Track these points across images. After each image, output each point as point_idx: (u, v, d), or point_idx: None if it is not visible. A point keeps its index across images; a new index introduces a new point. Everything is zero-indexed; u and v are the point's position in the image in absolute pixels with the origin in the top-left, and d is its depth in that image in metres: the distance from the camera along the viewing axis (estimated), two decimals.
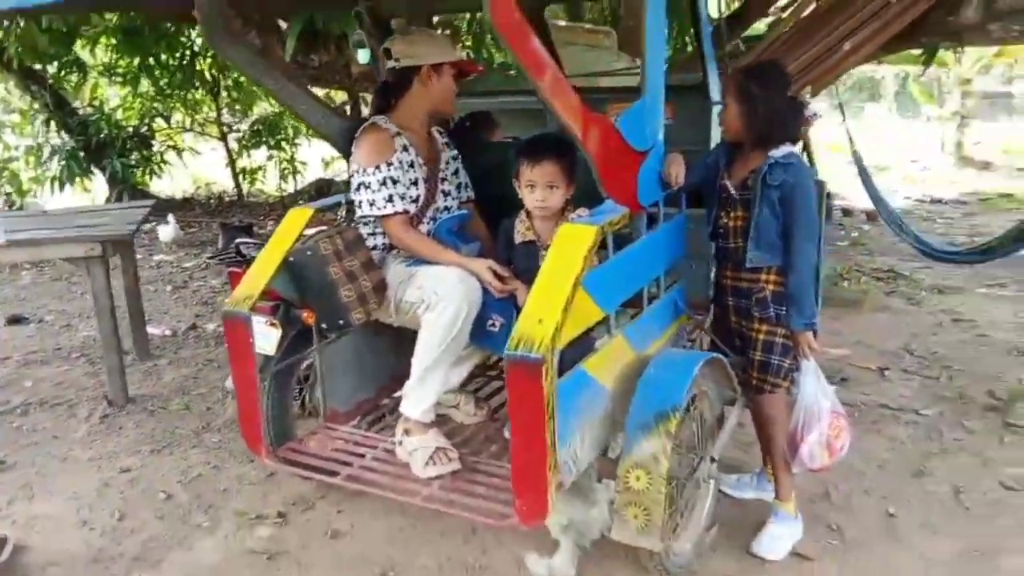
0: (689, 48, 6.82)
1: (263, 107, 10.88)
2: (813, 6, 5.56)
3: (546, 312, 2.02)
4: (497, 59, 7.27)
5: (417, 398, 2.58)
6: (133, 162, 9.44)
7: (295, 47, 4.64)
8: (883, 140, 14.32)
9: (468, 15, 6.97)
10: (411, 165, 2.75)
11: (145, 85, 9.58)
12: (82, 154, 9.20)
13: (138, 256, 5.47)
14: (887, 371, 4.19)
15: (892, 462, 3.26)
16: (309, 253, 2.58)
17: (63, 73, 9.57)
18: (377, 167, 2.68)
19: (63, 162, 9.18)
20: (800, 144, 8.45)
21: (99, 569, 2.69)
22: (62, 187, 9.25)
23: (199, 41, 8.74)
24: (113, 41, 8.45)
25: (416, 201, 2.76)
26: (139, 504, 3.08)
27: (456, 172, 2.98)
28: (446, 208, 2.86)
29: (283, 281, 2.66)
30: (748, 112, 2.48)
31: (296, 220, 2.74)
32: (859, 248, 7.17)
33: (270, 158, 10.64)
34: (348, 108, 9.60)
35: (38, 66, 8.91)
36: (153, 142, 9.97)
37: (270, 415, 2.72)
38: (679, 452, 2.45)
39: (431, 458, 2.48)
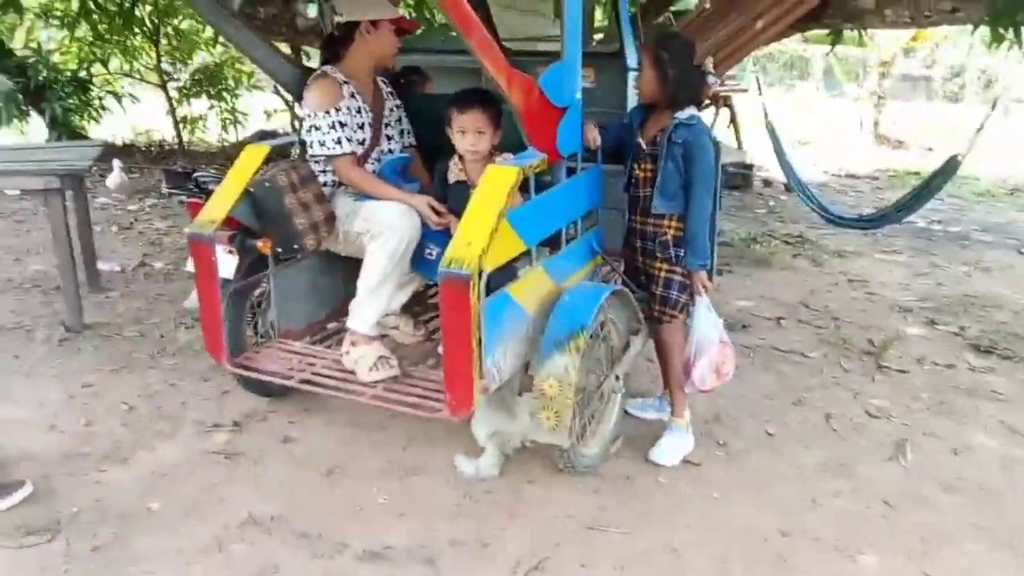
0: None
1: (203, 57, 10.85)
2: None
3: (474, 237, 2.41)
4: (439, 19, 7.52)
5: (362, 314, 2.94)
6: (72, 106, 9.36)
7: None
8: (809, 116, 15.02)
9: None
10: (358, 111, 3.07)
11: (83, 30, 9.48)
12: (20, 96, 9.09)
13: None
14: (783, 320, 4.71)
15: (777, 393, 3.75)
16: (268, 184, 2.90)
17: None
18: (327, 112, 2.99)
19: (1, 103, 9.06)
20: (715, 110, 8.97)
21: (71, 464, 2.99)
22: None
23: None
24: None
25: (363, 143, 3.09)
26: (103, 413, 3.38)
27: (399, 120, 3.31)
28: (390, 151, 3.20)
29: (243, 210, 2.98)
30: (660, 77, 2.84)
31: (254, 156, 3.05)
32: (774, 216, 7.73)
33: (211, 107, 10.65)
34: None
35: None
36: (92, 87, 9.88)
37: (228, 329, 3.03)
38: (588, 368, 2.89)
39: (374, 365, 2.86)
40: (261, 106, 11.02)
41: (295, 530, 2.62)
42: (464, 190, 2.88)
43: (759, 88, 6.23)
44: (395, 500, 2.81)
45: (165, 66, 10.54)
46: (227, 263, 3.08)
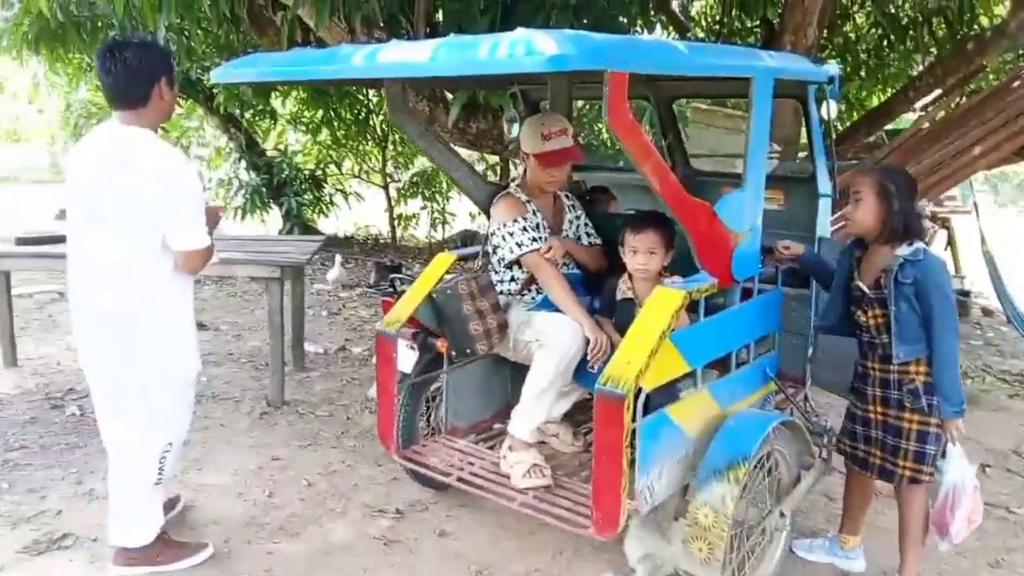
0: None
1: (422, 162, 11.87)
2: (951, 108, 5.71)
3: (634, 356, 2.43)
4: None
5: (523, 420, 3.03)
6: (306, 201, 10.58)
7: (457, 115, 5.32)
8: None
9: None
10: (537, 227, 3.24)
11: (324, 134, 10.76)
12: (264, 190, 10.43)
13: None
14: (988, 468, 4.22)
15: (973, 551, 3.35)
16: (449, 291, 3.11)
17: (257, 119, 10.95)
18: (515, 220, 3.19)
19: (248, 196, 10.42)
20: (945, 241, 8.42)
21: (250, 532, 3.27)
22: (243, 217, 10.48)
23: (375, 100, 9.80)
24: (303, 95, 9.65)
25: None
26: (286, 486, 3.67)
27: (579, 229, 3.45)
28: (566, 264, 3.33)
29: (425, 312, 3.21)
30: (885, 209, 2.62)
31: (441, 263, 3.30)
32: (991, 349, 7.00)
33: (424, 207, 11.58)
34: (499, 169, 10.39)
35: (238, 112, 10.25)
36: (325, 185, 11.11)
37: (401, 421, 3.24)
38: (749, 501, 2.76)
39: (528, 472, 2.91)
40: (467, 208, 11.80)
41: None
42: (631, 308, 2.93)
43: (976, 213, 5.79)
44: None
45: (389, 169, 11.65)
46: (407, 358, 3.29)
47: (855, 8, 8.32)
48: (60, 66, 8.51)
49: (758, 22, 7.53)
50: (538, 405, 3.01)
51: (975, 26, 7.35)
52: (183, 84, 8.82)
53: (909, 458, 2.74)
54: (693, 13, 8.84)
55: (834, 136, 3.65)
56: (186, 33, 6.70)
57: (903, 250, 2.62)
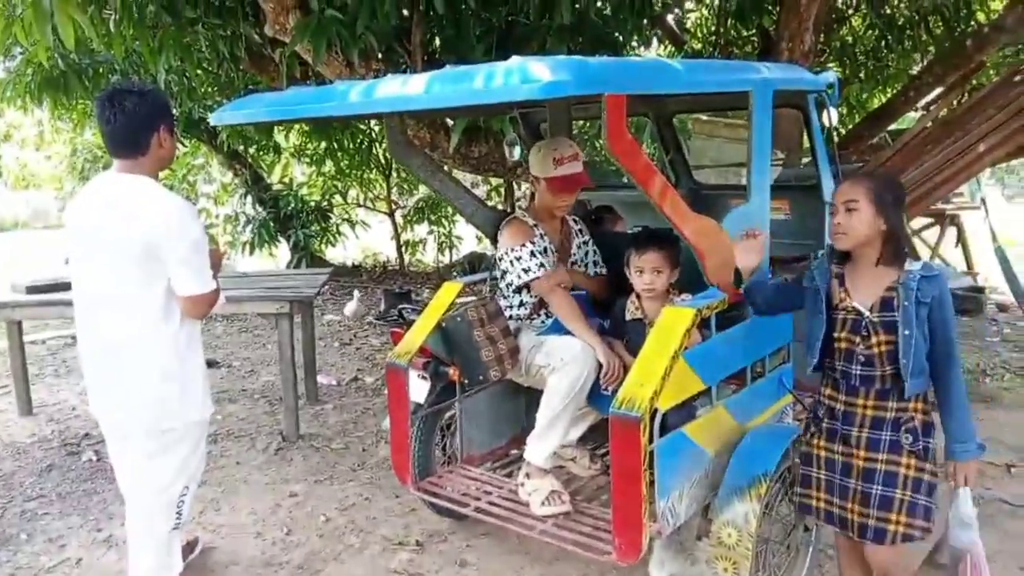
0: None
1: (427, 188, 11.92)
2: (953, 105, 5.68)
3: (647, 378, 2.41)
4: None
5: (539, 447, 3.00)
6: (313, 232, 10.63)
7: (459, 141, 5.34)
8: None
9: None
10: (544, 251, 3.23)
11: (328, 165, 10.83)
12: (271, 224, 10.48)
13: None
14: (1014, 468, 4.15)
15: (1001, 553, 3.28)
16: (459, 319, 3.10)
17: (261, 154, 11.04)
18: (523, 244, 3.18)
19: (255, 230, 10.48)
20: (940, 229, 8.34)
21: (270, 572, 3.24)
22: (252, 251, 10.53)
23: (376, 129, 9.85)
24: (306, 128, 9.72)
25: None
26: (303, 523, 3.65)
27: (587, 255, 3.44)
28: (574, 287, 3.31)
29: (435, 341, 3.20)
30: (884, 220, 2.25)
31: (449, 292, 3.29)
32: (1009, 345, 6.92)
33: (430, 232, 11.61)
34: (503, 191, 10.41)
35: (242, 147, 10.34)
36: (331, 215, 11.16)
37: (416, 452, 3.21)
38: (772, 517, 2.72)
39: (547, 499, 2.88)
40: (474, 231, 11.82)
41: None
42: (641, 328, 2.90)
43: (985, 209, 5.74)
44: None
45: (394, 196, 11.70)
46: (419, 389, 3.27)
47: (850, 11, 8.33)
48: (64, 113, 8.61)
49: (754, 31, 7.54)
50: (553, 430, 2.98)
51: (972, 23, 7.33)
52: (186, 124, 8.90)
53: (903, 511, 2.28)
54: (688, 25, 8.87)
55: (836, 141, 3.62)
56: (186, 74, 6.75)
57: (914, 266, 2.26)
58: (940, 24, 7.57)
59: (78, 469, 4.31)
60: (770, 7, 6.80)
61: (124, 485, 2.85)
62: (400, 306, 4.93)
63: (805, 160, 6.46)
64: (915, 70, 8.30)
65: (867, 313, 2.30)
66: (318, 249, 10.96)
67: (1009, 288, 5.50)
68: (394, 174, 11.37)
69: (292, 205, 10.52)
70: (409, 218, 11.56)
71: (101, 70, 6.75)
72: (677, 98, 3.87)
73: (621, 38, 5.53)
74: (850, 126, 8.65)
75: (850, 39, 8.46)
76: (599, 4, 5.32)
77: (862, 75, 8.41)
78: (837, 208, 2.32)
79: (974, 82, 7.38)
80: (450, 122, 5.35)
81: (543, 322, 3.27)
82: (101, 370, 2.67)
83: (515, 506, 2.95)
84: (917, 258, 2.31)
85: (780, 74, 3.06)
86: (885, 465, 2.30)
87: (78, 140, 14.66)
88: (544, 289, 3.16)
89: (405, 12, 4.86)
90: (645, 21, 5.79)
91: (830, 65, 8.26)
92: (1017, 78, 5.13)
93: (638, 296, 3.02)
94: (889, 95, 8.54)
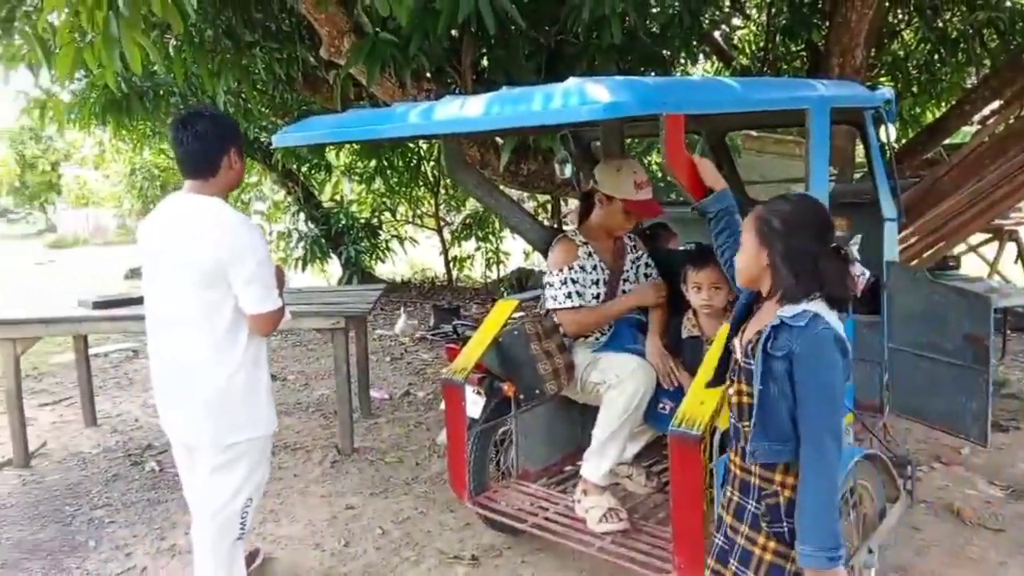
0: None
1: (474, 204, 12.03)
2: (1010, 120, 5.57)
3: (707, 396, 2.41)
4: None
5: (596, 463, 3.01)
6: (364, 248, 10.81)
7: (509, 159, 5.40)
8: None
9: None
10: (594, 268, 3.24)
11: (378, 183, 11.01)
12: (323, 241, 10.69)
13: None
14: None
15: None
16: (516, 333, 3.14)
17: (313, 172, 11.27)
18: (560, 270, 3.20)
19: (307, 247, 10.70)
20: (999, 245, 8.03)
21: None
22: (304, 268, 10.74)
23: (425, 147, 10.00)
24: (356, 147, 9.91)
25: (597, 298, 3.25)
26: (360, 535, 3.70)
27: (639, 272, 3.45)
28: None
29: (491, 357, 3.24)
30: (763, 254, 1.91)
31: (504, 308, 3.34)
32: None
33: (478, 248, 11.71)
34: (551, 207, 10.46)
35: (295, 166, 10.57)
36: (380, 232, 11.33)
37: (472, 468, 3.25)
38: None
39: (604, 516, 2.89)
40: (521, 247, 11.87)
41: None
42: (698, 345, 2.91)
43: None
44: None
45: (442, 212, 11.84)
46: (475, 404, 3.31)
47: (902, 25, 8.21)
48: (125, 133, 8.91)
49: (803, 46, 7.48)
50: (610, 447, 3.00)
51: None
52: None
53: None
54: (735, 41, 8.83)
55: (892, 156, 3.59)
56: (242, 96, 6.95)
57: (786, 310, 1.86)
58: (995, 37, 7.42)
59: (142, 479, 4.44)
60: (819, 22, 6.75)
61: (191, 496, 2.93)
62: (455, 322, 4.99)
63: (857, 175, 6.39)
64: (969, 83, 8.13)
65: (736, 355, 2.01)
66: (368, 265, 11.13)
67: None
68: (442, 191, 11.51)
69: (343, 222, 10.72)
70: (457, 234, 11.69)
71: (161, 92, 6.97)
72: (730, 115, 3.88)
73: (669, 55, 5.54)
74: (904, 141, 8.51)
75: (902, 53, 8.35)
76: (647, 22, 5.34)
77: (915, 89, 8.28)
78: None
79: None
80: (499, 140, 5.41)
81: (597, 339, 3.28)
82: (171, 387, 2.76)
83: (572, 522, 2.97)
84: (838, 303, 1.91)
85: (837, 91, 3.05)
86: (744, 540, 1.96)
87: (136, 159, 15.19)
88: (567, 320, 3.19)
89: (454, 33, 4.95)
90: (692, 37, 5.80)
91: (882, 79, 8.15)
92: None
93: (695, 313, 3.03)
94: (943, 109, 8.38)
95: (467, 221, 11.63)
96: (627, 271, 3.37)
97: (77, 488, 4.33)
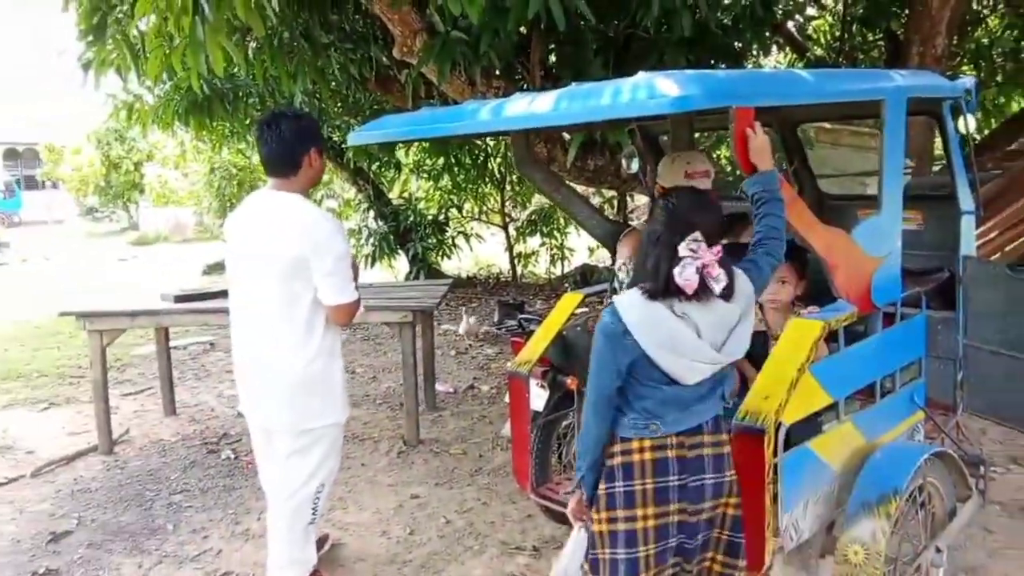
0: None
1: (539, 200, 12.07)
2: None
3: (772, 391, 2.38)
4: None
5: None
6: (431, 245, 10.96)
7: (576, 154, 5.41)
8: None
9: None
10: None
11: (445, 180, 11.15)
12: (391, 237, 10.89)
13: None
14: None
15: None
16: (579, 328, 3.16)
17: (382, 170, 11.48)
18: (627, 262, 3.20)
19: (376, 243, 10.91)
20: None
21: (393, 570, 3.39)
22: (372, 264, 10.95)
23: (491, 144, 10.07)
24: (425, 145, 10.05)
25: None
26: (425, 524, 3.78)
27: None
28: None
29: (555, 351, 3.26)
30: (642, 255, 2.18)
31: (569, 302, 3.35)
32: None
33: (543, 244, 11.73)
34: (616, 202, 10.41)
35: (365, 164, 10.79)
36: (447, 228, 11.47)
37: (535, 460, 3.28)
38: (901, 536, 2.62)
39: None
40: (586, 243, 11.85)
41: None
42: (763, 340, 2.87)
43: None
44: None
45: (507, 209, 11.91)
46: (539, 397, 3.34)
47: (986, 12, 7.89)
48: (205, 134, 9.24)
49: (881, 36, 7.26)
50: None
51: None
52: None
53: None
54: (810, 32, 8.62)
55: (972, 148, 3.47)
56: (318, 96, 7.13)
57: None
58: None
59: (217, 466, 4.62)
60: (898, 10, 6.54)
61: (266, 481, 3.05)
62: (520, 316, 5.03)
63: (937, 167, 6.18)
64: None
65: None
66: (435, 261, 11.27)
67: None
68: (508, 187, 11.58)
69: (411, 219, 10.88)
70: (522, 230, 11.74)
71: (240, 94, 7.21)
72: (803, 107, 3.80)
73: (741, 47, 5.46)
74: (986, 131, 8.18)
75: (986, 41, 8.02)
76: (718, 14, 5.27)
77: (999, 78, 7.95)
78: None
79: None
80: (567, 136, 5.42)
81: None
82: (254, 374, 2.89)
83: None
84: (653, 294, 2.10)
85: (914, 81, 2.96)
86: None
87: (215, 159, 15.72)
88: None
89: (523, 30, 4.98)
90: (765, 28, 5.69)
91: (964, 69, 7.85)
92: None
93: (760, 307, 2.99)
94: None
95: (532, 217, 11.68)
96: None
97: (157, 474, 4.53)
